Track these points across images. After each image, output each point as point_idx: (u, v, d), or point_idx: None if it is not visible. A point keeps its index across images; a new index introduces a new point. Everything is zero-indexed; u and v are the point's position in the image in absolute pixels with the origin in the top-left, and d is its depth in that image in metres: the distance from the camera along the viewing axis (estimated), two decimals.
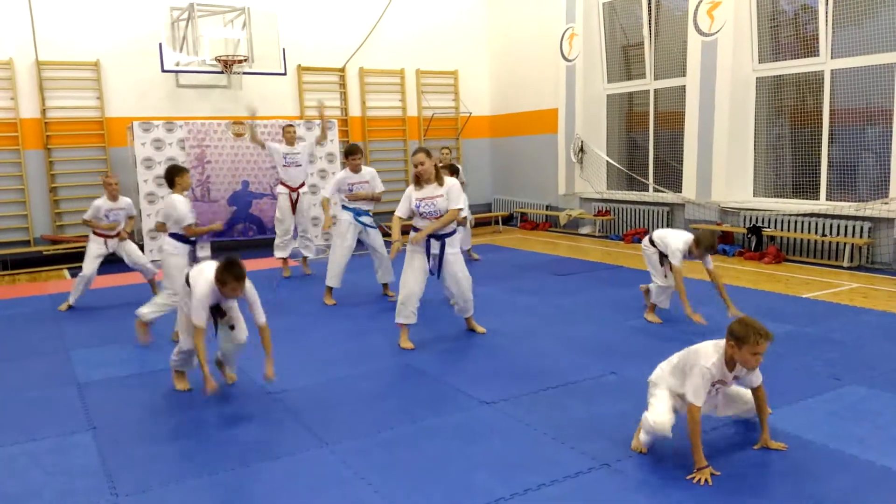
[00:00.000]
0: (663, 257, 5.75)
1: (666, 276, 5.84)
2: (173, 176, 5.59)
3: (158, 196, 10.25)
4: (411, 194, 5.34)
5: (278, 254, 8.56)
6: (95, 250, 7.09)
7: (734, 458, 3.35)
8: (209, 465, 3.48)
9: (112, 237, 7.13)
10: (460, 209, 5.33)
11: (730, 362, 3.27)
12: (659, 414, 3.35)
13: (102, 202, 7.05)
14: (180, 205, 5.48)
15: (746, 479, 3.17)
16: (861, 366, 4.65)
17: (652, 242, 5.90)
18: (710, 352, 3.29)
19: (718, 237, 9.68)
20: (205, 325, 4.06)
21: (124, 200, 7.17)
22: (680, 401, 3.41)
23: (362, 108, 12.73)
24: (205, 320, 4.06)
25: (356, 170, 7.05)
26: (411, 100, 13.25)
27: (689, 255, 5.56)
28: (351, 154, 7.04)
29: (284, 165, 8.47)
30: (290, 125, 8.82)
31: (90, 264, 7.04)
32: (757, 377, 3.39)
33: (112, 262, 7.38)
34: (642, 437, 3.47)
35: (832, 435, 3.59)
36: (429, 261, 5.38)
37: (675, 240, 5.62)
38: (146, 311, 5.64)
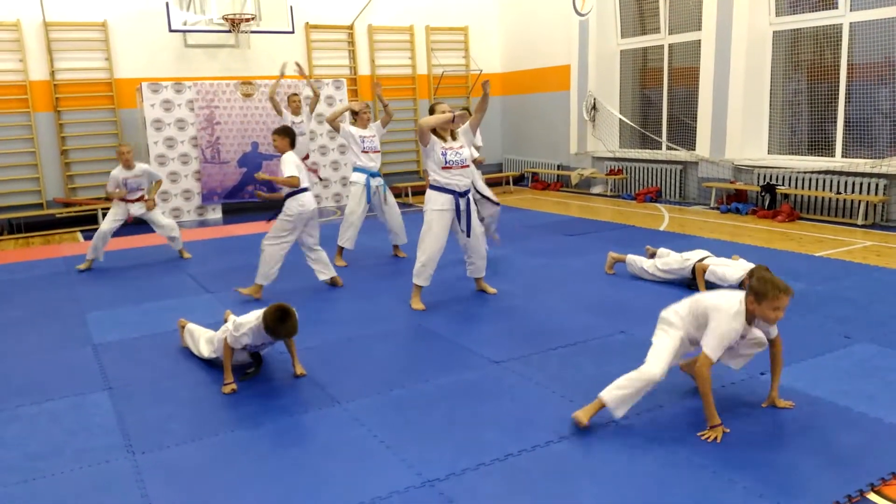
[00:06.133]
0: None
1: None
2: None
3: (169, 158, 10.25)
4: (436, 140, 5.27)
5: None
6: (115, 214, 7.13)
7: (742, 416, 3.36)
8: (223, 424, 3.54)
9: (134, 201, 7.16)
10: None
11: (749, 318, 3.25)
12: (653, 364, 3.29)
13: (118, 172, 7.07)
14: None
15: (755, 437, 3.19)
16: (872, 324, 4.64)
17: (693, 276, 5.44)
18: (733, 310, 3.23)
19: (732, 196, 9.60)
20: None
21: (140, 167, 7.18)
22: (687, 342, 3.38)
23: (371, 66, 12.59)
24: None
25: (365, 126, 7.06)
26: (421, 57, 13.07)
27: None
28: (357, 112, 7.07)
29: None
30: (296, 94, 8.76)
31: (108, 224, 7.08)
32: (774, 328, 3.37)
33: (126, 224, 7.42)
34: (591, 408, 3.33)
35: (841, 392, 3.60)
36: (459, 220, 5.38)
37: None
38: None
